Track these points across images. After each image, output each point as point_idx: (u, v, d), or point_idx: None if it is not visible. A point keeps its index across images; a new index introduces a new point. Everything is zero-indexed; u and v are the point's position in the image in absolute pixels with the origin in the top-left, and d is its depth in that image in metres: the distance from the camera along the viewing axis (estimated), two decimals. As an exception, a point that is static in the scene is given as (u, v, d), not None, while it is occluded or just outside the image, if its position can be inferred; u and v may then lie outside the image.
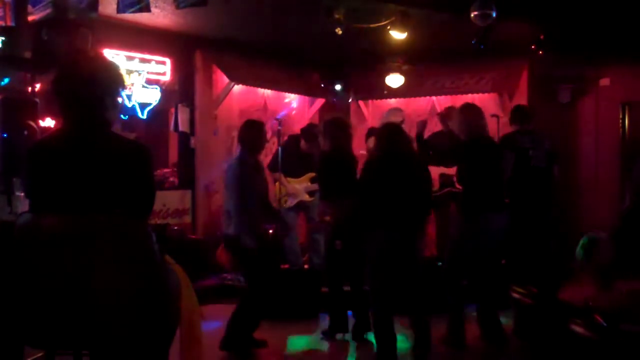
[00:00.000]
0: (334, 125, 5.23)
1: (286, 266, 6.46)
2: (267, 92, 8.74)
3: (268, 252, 4.88)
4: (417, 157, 4.74)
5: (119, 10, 5.43)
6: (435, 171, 6.86)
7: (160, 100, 7.23)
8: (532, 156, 5.46)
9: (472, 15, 5.90)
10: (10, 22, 5.51)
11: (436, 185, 7.01)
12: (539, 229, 5.44)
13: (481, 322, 4.93)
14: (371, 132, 7.13)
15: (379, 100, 9.34)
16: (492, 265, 4.96)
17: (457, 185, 7.03)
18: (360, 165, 5.01)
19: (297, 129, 7.61)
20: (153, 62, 7.28)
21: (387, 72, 8.52)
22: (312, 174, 6.56)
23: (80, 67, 2.56)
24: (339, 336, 5.21)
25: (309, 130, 6.66)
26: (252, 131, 4.84)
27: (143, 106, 7.10)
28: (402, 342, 4.57)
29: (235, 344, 4.62)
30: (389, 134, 4.64)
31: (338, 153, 5.14)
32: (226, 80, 7.94)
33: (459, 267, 4.87)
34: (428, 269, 5.21)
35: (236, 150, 4.89)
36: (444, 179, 7.11)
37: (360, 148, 7.97)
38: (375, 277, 4.47)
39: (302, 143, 6.65)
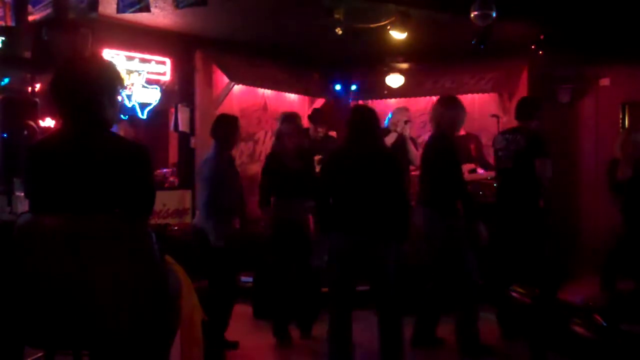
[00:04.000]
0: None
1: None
2: (267, 92, 8.74)
3: (235, 252, 4.84)
4: (386, 153, 4.33)
5: (119, 10, 5.43)
6: None
7: (160, 100, 7.24)
8: (501, 157, 5.21)
9: (472, 15, 5.89)
10: (10, 22, 5.51)
11: None
12: (519, 230, 5.15)
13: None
14: None
15: (379, 100, 9.34)
16: (439, 267, 4.89)
17: None
18: None
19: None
20: (153, 62, 7.29)
21: (387, 72, 8.52)
22: (319, 156, 6.54)
23: (75, 68, 2.57)
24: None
25: (315, 115, 6.71)
26: (225, 126, 4.89)
27: (143, 106, 7.10)
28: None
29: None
30: (356, 123, 4.13)
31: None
32: (226, 80, 7.94)
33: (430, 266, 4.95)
34: (407, 271, 5.24)
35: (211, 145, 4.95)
36: None
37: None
38: (328, 280, 4.27)
39: (311, 129, 6.65)
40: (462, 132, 7.20)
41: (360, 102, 9.40)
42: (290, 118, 5.33)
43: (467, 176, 7.01)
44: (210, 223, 4.71)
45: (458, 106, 4.87)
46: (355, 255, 4.02)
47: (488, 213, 5.24)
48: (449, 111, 4.82)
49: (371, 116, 4.17)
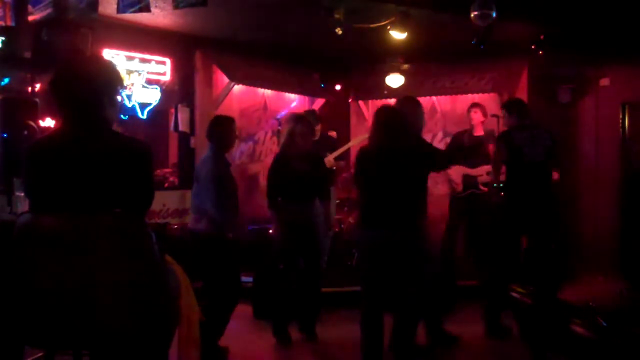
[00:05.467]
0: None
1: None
2: (267, 92, 8.74)
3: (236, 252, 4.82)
4: (414, 151, 4.33)
5: (119, 11, 5.43)
6: (458, 172, 6.83)
7: (160, 100, 7.23)
8: (527, 153, 5.20)
9: (472, 15, 5.89)
10: (10, 22, 5.50)
11: (460, 186, 6.95)
12: (537, 226, 5.25)
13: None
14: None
15: (379, 100, 9.34)
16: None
17: (481, 187, 6.92)
18: None
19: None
20: (153, 62, 7.28)
21: (387, 72, 8.52)
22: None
23: (76, 67, 2.58)
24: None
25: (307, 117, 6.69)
26: (220, 128, 4.82)
27: (143, 106, 7.10)
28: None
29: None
30: (385, 123, 4.23)
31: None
32: (226, 80, 7.94)
33: None
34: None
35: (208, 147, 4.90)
36: (468, 180, 7.00)
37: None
38: (360, 274, 4.29)
39: None
40: (480, 132, 7.01)
41: (361, 102, 9.45)
42: (303, 119, 5.29)
43: (484, 178, 6.87)
44: (227, 217, 4.64)
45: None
46: (388, 251, 4.07)
47: (494, 211, 5.25)
48: (419, 109, 4.80)
49: (401, 115, 4.29)
